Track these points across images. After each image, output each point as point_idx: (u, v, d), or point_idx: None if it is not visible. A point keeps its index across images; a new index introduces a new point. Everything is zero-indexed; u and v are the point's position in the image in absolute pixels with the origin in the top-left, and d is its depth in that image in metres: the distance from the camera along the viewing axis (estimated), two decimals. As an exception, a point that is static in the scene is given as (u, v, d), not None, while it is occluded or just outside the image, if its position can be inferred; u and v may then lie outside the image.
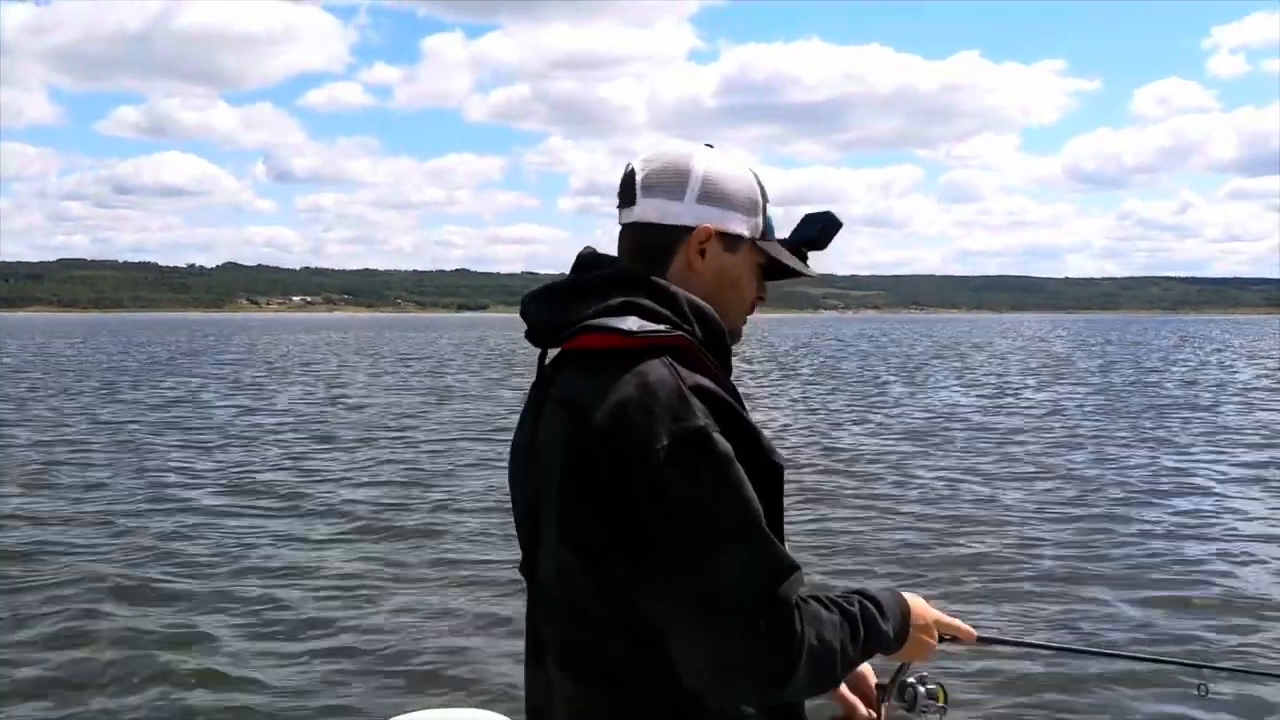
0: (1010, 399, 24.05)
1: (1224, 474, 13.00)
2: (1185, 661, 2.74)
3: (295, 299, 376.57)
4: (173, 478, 12.80)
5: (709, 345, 1.60)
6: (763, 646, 1.45)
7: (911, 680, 1.95)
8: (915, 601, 1.78)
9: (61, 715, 5.56)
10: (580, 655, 1.59)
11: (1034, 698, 5.63)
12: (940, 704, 1.96)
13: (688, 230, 1.65)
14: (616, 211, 1.71)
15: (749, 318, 1.76)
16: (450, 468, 13.64)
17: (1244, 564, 8.52)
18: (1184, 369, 36.38)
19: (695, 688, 1.50)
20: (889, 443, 16.14)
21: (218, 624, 6.97)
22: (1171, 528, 9.83)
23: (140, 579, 7.99)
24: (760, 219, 1.70)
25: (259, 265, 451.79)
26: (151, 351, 52.03)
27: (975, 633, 1.92)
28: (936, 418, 19.84)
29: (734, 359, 1.68)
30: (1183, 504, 11.03)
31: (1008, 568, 8.30)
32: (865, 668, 1.91)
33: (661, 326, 1.55)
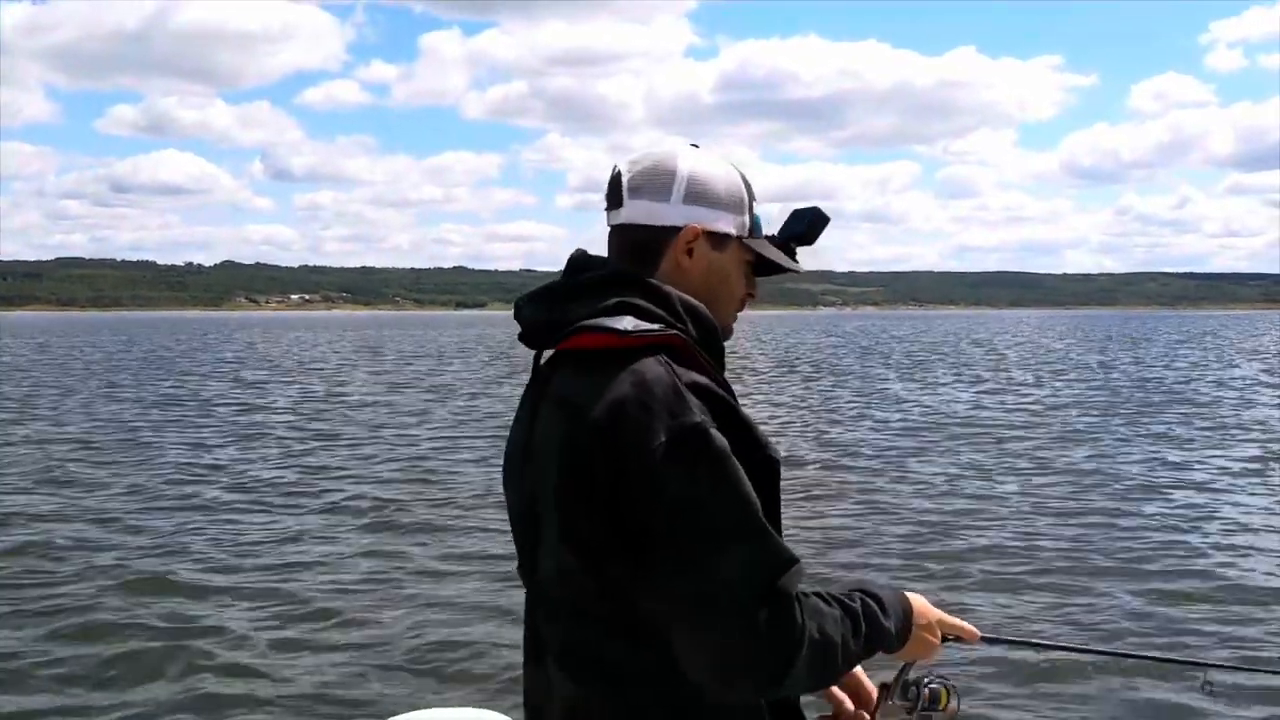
0: (1009, 394, 24.08)
1: (1224, 468, 13.02)
2: (1193, 661, 2.72)
3: (293, 297, 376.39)
4: (178, 475, 12.84)
5: (703, 343, 1.61)
6: (763, 645, 1.45)
7: (915, 680, 1.92)
8: (917, 600, 1.78)
9: (77, 705, 5.63)
10: (580, 655, 1.59)
11: (1038, 696, 5.63)
12: (944, 706, 1.93)
13: (675, 230, 1.66)
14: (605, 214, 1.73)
15: (741, 314, 1.78)
16: (453, 463, 13.67)
17: (1245, 556, 8.56)
18: (1183, 364, 36.43)
19: (699, 683, 1.51)
20: (888, 438, 16.17)
21: (228, 618, 7.03)
22: (1171, 522, 9.85)
23: (152, 573, 8.09)
24: (747, 217, 1.71)
25: (257, 263, 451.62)
26: (152, 350, 52.03)
27: (979, 633, 1.91)
28: (935, 413, 19.87)
29: (732, 356, 1.68)
30: (1182, 498, 11.06)
31: (1007, 562, 8.32)
32: (858, 669, 1.89)
33: (656, 326, 1.56)
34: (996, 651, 5.36)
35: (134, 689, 5.84)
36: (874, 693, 1.93)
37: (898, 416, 19.41)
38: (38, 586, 7.73)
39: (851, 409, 20.99)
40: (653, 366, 1.52)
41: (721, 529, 1.46)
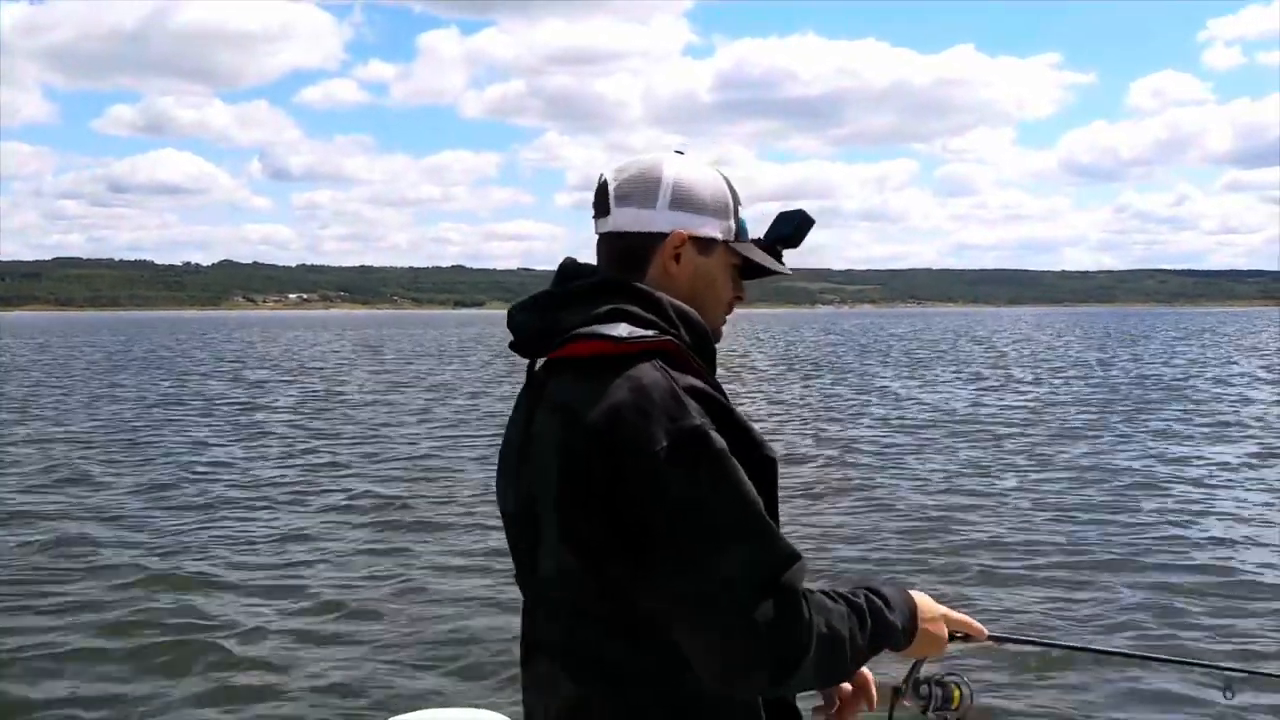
0: (1008, 392, 24.09)
1: (1222, 464, 13.05)
2: (1208, 663, 2.70)
3: (292, 296, 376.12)
4: (182, 473, 12.88)
5: (695, 347, 1.63)
6: (764, 644, 1.45)
7: (927, 678, 1.90)
8: (921, 598, 1.77)
9: (98, 696, 5.72)
10: (580, 655, 1.60)
11: (1041, 686, 5.66)
12: (957, 703, 1.90)
13: (662, 236, 1.68)
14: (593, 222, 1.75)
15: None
16: (455, 461, 13.70)
17: (1242, 550, 8.60)
18: (1181, 361, 36.43)
19: (707, 682, 1.51)
20: (887, 435, 16.20)
21: (236, 613, 7.08)
22: (1170, 517, 9.88)
23: (161, 570, 8.16)
24: (732, 221, 1.72)
25: (255, 263, 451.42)
26: (152, 350, 51.96)
27: (986, 630, 1.90)
28: (934, 410, 19.89)
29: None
30: (1180, 493, 11.10)
31: (1006, 558, 8.37)
32: (865, 669, 1.86)
33: (651, 332, 1.58)
34: (1004, 648, 5.37)
35: (145, 681, 5.92)
36: (874, 695, 1.90)
37: (897, 414, 19.43)
38: (49, 583, 7.79)
39: (850, 407, 20.98)
40: (649, 372, 1.54)
41: (722, 528, 1.48)
